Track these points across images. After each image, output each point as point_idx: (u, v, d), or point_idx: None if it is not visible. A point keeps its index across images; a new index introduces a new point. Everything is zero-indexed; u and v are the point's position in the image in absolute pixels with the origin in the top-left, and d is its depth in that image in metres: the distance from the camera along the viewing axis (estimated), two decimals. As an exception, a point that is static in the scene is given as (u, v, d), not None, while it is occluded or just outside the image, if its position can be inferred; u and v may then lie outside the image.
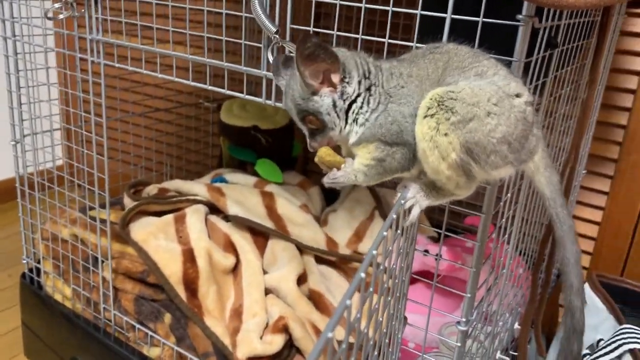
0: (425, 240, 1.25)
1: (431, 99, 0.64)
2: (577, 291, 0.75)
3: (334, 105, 0.68)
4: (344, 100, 0.68)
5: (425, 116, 0.64)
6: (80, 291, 1.23)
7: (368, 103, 0.68)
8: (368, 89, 0.68)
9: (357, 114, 0.69)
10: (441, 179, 0.66)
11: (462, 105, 0.62)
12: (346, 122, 0.69)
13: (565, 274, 0.75)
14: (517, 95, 0.65)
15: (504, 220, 0.87)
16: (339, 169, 0.72)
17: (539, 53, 0.75)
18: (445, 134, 0.62)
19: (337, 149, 0.74)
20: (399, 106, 0.67)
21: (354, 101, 0.69)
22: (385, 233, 0.51)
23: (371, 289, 0.53)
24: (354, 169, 0.70)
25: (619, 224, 1.41)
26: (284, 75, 0.77)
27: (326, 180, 0.72)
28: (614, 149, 1.38)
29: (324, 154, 0.72)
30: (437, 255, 1.14)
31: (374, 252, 0.52)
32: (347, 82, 0.68)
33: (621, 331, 1.09)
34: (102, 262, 1.17)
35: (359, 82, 0.68)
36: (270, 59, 0.82)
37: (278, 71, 0.79)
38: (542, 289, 1.11)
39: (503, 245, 0.93)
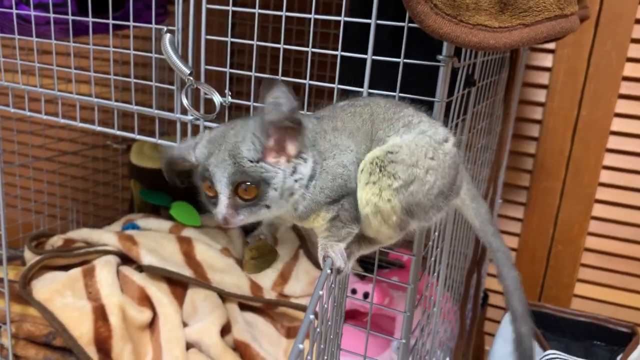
0: (352, 278, 1.22)
1: (372, 164, 0.61)
2: (522, 317, 0.75)
3: (284, 181, 0.59)
4: (296, 180, 0.59)
5: (368, 183, 0.61)
6: (-26, 362, 1.10)
7: (310, 174, 0.61)
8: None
9: (297, 190, 0.60)
10: (380, 237, 0.65)
11: (403, 168, 0.60)
12: (285, 201, 0.61)
13: (508, 302, 0.75)
14: (446, 140, 0.64)
15: (432, 259, 0.86)
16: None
17: (459, 91, 0.76)
18: (389, 200, 0.60)
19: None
20: (335, 159, 0.62)
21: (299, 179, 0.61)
22: (320, 292, 0.47)
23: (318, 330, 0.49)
24: (333, 251, 0.61)
25: (534, 249, 1.46)
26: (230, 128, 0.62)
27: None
28: (526, 177, 1.44)
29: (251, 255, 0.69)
30: (367, 295, 1.12)
31: (320, 292, 0.49)
32: (304, 160, 0.60)
33: (546, 357, 1.10)
34: (0, 327, 1.05)
35: (313, 161, 0.61)
36: (185, 102, 0.77)
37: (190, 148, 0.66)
38: (471, 322, 1.11)
39: (433, 285, 0.92)
